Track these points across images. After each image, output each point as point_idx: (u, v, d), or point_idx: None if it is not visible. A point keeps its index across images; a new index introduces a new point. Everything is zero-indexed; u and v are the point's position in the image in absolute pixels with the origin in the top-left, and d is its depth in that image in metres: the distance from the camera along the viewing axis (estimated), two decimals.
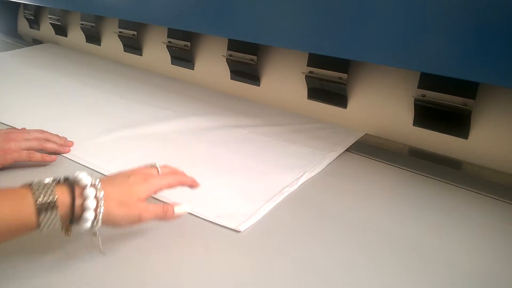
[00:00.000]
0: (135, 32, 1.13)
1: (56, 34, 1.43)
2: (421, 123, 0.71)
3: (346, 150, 0.71)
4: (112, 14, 1.10)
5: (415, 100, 0.69)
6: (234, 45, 0.92)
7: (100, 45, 1.28)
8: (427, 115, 0.69)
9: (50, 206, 0.37)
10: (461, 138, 0.68)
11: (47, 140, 0.65)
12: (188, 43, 1.01)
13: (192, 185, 0.50)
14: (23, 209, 0.36)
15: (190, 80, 1.05)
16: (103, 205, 0.40)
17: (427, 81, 0.68)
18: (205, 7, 0.84)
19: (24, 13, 1.54)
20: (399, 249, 0.48)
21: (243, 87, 0.95)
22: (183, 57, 1.04)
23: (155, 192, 0.46)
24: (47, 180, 0.39)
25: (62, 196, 0.38)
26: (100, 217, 0.39)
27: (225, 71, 0.96)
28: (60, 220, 0.38)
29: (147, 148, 0.70)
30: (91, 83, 1.00)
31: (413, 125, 0.72)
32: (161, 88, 0.99)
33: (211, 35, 0.98)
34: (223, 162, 0.66)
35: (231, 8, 0.79)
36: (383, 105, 0.75)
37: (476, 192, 0.60)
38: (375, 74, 0.76)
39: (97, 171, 0.62)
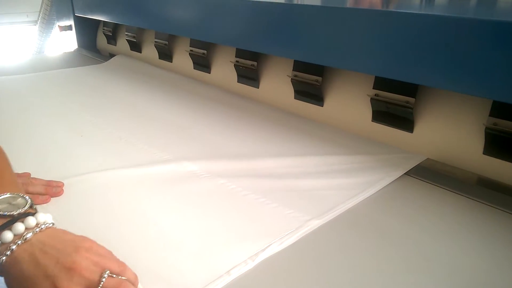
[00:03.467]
0: (205, 51, 1.19)
1: (131, 49, 1.54)
2: (493, 152, 0.69)
3: (406, 173, 0.71)
4: (185, 34, 1.18)
5: (486, 128, 0.67)
6: (299, 66, 0.95)
7: (171, 61, 1.36)
8: (499, 144, 0.67)
9: None
10: None
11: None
12: (255, 63, 1.05)
13: None
14: None
15: (255, 98, 1.08)
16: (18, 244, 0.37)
17: (500, 109, 0.66)
18: (272, 29, 0.87)
19: (104, 29, 1.67)
20: (465, 286, 0.47)
21: (306, 107, 0.97)
22: (249, 76, 1.08)
23: None
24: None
25: None
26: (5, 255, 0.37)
27: (289, 91, 0.99)
28: None
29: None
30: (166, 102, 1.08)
31: (483, 153, 0.70)
32: (228, 106, 1.04)
33: (278, 56, 1.01)
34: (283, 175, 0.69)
35: (298, 30, 0.82)
36: (451, 131, 0.74)
37: None
38: (444, 99, 0.75)
39: None
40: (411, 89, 0.75)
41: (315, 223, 0.57)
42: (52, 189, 0.61)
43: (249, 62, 1.06)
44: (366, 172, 0.71)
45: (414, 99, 0.75)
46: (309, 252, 0.52)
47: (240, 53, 1.09)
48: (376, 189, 0.66)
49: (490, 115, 0.67)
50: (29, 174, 0.65)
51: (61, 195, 0.61)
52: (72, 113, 0.97)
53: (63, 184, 0.63)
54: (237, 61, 1.09)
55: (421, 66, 0.65)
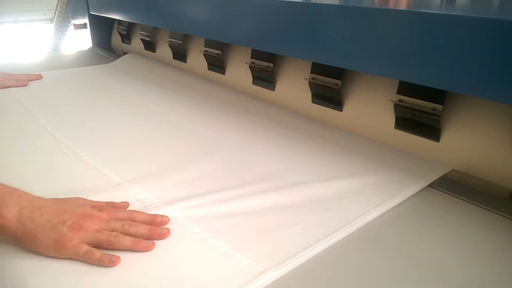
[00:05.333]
0: (219, 52, 1.15)
1: (145, 49, 1.51)
2: None
3: (430, 185, 0.66)
4: (199, 34, 1.14)
5: None
6: (318, 68, 0.90)
7: (185, 62, 1.33)
8: None
9: None
10: None
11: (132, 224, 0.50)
12: (271, 65, 1.01)
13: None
14: None
15: (270, 100, 1.04)
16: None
17: None
18: (290, 29, 0.83)
19: (118, 28, 1.65)
20: None
21: (324, 111, 0.92)
22: (264, 77, 1.04)
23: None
24: None
25: None
26: None
27: (307, 94, 0.95)
28: None
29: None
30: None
31: None
32: (242, 109, 1.00)
33: (295, 58, 0.97)
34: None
35: (317, 30, 0.78)
36: (481, 142, 0.69)
37: None
38: (475, 107, 0.70)
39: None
40: (438, 95, 0.70)
41: (326, 242, 0.52)
42: (157, 230, 0.50)
43: (265, 64, 1.02)
44: (385, 184, 0.66)
45: (441, 106, 0.70)
46: (320, 275, 0.47)
47: (255, 54, 1.05)
48: (395, 203, 0.61)
49: None
50: (128, 204, 0.56)
51: (166, 237, 0.50)
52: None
53: (168, 219, 0.54)
54: (252, 62, 1.05)
55: (450, 70, 0.60)
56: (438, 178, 0.68)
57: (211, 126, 0.90)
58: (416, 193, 0.64)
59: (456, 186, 0.66)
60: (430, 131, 0.74)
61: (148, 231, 0.49)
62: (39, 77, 1.22)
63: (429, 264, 0.49)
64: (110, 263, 0.45)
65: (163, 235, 0.50)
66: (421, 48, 0.63)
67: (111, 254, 0.46)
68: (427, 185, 0.66)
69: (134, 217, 0.51)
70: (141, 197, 0.60)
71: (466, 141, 0.71)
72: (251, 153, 0.77)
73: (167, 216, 0.54)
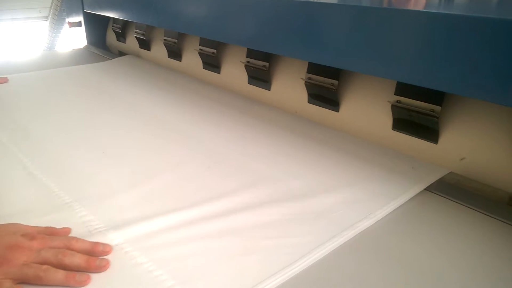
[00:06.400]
0: (214, 51, 1.13)
1: (140, 47, 1.49)
2: None
3: (427, 189, 0.65)
4: (194, 32, 1.12)
5: None
6: (314, 68, 0.88)
7: (180, 60, 1.31)
8: None
9: None
10: None
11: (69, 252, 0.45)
12: (267, 64, 0.99)
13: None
14: None
15: (265, 101, 1.02)
16: None
17: None
18: (287, 29, 0.81)
19: (113, 26, 1.63)
20: None
21: (321, 112, 0.90)
22: (260, 77, 1.03)
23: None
24: None
25: None
26: None
27: (303, 94, 0.93)
28: None
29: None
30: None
31: None
32: (237, 110, 0.98)
33: (291, 58, 0.95)
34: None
35: (313, 30, 0.76)
36: (480, 144, 0.67)
37: None
38: (475, 109, 0.68)
39: None
40: (437, 97, 0.69)
41: (320, 251, 0.50)
42: (95, 262, 0.44)
43: (260, 63, 1.00)
44: (381, 188, 0.64)
45: (440, 107, 0.69)
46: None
47: (251, 53, 1.03)
48: (390, 209, 0.59)
49: None
50: (69, 230, 0.51)
51: (105, 270, 0.44)
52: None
53: (111, 248, 0.48)
54: (248, 62, 1.03)
55: (449, 71, 0.59)
56: (435, 181, 0.66)
57: (187, 133, 0.83)
58: (413, 196, 0.63)
59: (454, 189, 0.65)
60: (428, 133, 0.72)
61: (85, 262, 0.43)
62: (5, 80, 1.14)
63: (426, 273, 0.47)
64: None
65: (101, 267, 0.44)
66: (420, 48, 0.62)
67: None
68: (424, 189, 0.65)
69: (71, 246, 0.45)
70: (87, 220, 0.54)
71: (466, 144, 0.69)
72: (234, 160, 0.72)
73: (109, 245, 0.47)
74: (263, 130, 0.86)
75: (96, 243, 0.47)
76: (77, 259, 0.43)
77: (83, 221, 0.53)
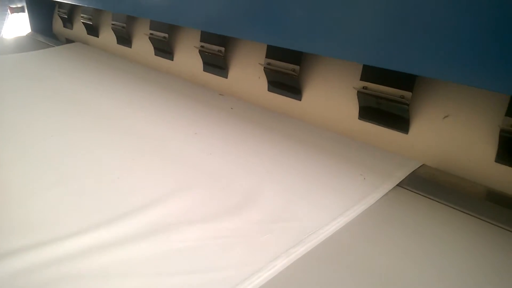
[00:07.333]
0: (166, 35, 1.03)
1: (88, 34, 1.37)
2: (508, 160, 0.56)
3: (398, 185, 0.58)
4: (143, 14, 1.01)
5: (501, 131, 0.54)
6: (273, 52, 0.80)
7: (131, 47, 1.20)
8: None
9: None
10: None
11: None
12: (222, 49, 0.90)
13: None
14: None
15: (223, 90, 0.93)
16: None
17: None
18: (243, 9, 0.72)
19: (59, 11, 1.49)
20: None
21: (282, 100, 0.82)
22: (216, 63, 0.93)
23: None
24: None
25: None
26: None
27: (263, 82, 0.84)
28: None
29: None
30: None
31: (496, 161, 0.57)
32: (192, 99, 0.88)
33: (249, 41, 0.86)
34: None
35: (273, 10, 0.67)
36: (456, 134, 0.61)
37: None
38: (450, 95, 0.61)
39: None
40: (407, 81, 0.62)
41: (281, 263, 0.43)
42: None
43: (215, 48, 0.91)
44: (347, 187, 0.57)
45: (411, 93, 0.61)
46: None
47: (205, 37, 0.93)
48: (359, 210, 0.52)
49: (506, 115, 0.54)
50: None
51: None
52: None
53: None
54: (202, 46, 0.93)
55: (421, 52, 0.51)
56: (407, 176, 0.59)
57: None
58: (383, 195, 0.55)
59: (427, 184, 0.58)
60: (398, 122, 0.65)
61: None
62: None
63: (396, 283, 0.40)
64: None
65: None
66: (388, 27, 0.54)
67: None
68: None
69: None
70: None
71: (439, 133, 0.62)
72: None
73: None
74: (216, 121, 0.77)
75: None
76: None
77: None
